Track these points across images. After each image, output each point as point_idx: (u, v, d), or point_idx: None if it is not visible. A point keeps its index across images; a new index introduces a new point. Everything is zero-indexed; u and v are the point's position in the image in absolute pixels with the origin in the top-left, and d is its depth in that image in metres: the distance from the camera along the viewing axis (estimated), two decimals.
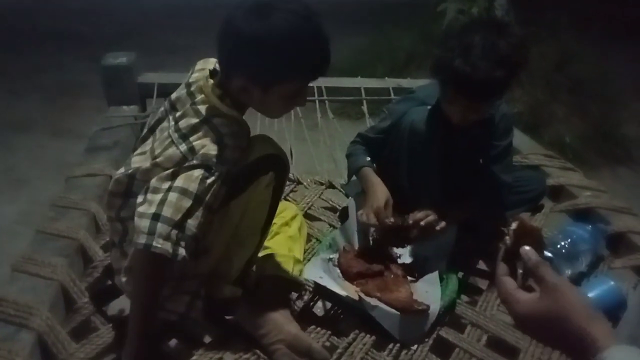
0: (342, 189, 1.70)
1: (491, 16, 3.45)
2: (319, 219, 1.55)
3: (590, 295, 1.17)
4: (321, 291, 1.19)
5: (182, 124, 0.97)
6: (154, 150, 1.00)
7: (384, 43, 4.18)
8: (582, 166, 2.53)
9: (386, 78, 2.40)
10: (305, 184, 1.71)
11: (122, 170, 1.04)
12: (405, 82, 2.31)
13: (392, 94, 2.20)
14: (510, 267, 0.67)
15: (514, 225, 0.69)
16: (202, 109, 0.97)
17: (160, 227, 0.89)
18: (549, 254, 1.27)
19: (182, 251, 0.91)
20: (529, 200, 1.51)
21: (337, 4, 5.39)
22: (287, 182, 1.70)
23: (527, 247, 0.64)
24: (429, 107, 1.34)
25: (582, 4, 4.22)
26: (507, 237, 0.69)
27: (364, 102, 2.20)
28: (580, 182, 1.65)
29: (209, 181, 0.93)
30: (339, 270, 1.24)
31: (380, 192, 1.32)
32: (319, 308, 1.22)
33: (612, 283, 1.19)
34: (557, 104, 3.64)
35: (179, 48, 4.20)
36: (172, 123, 0.99)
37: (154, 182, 0.94)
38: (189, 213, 0.91)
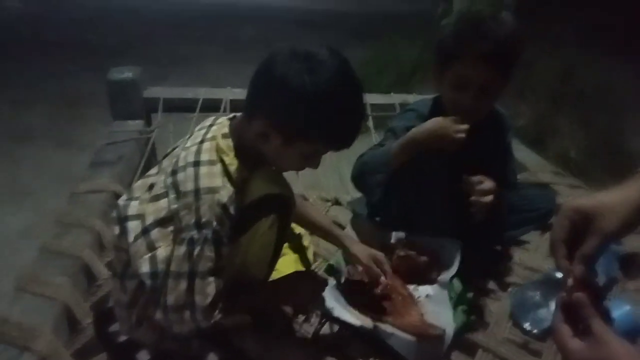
0: (348, 206, 1.68)
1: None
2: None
3: None
4: (332, 319, 1.16)
5: (181, 177, 0.94)
6: (152, 187, 0.99)
7: (388, 55, 4.18)
8: (587, 180, 2.51)
9: (392, 93, 2.39)
10: (311, 200, 1.69)
11: (124, 197, 1.03)
12: (411, 98, 2.30)
13: (397, 110, 2.19)
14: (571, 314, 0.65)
15: (569, 282, 0.66)
16: (204, 172, 0.93)
17: (172, 315, 0.92)
18: (559, 275, 1.23)
19: (203, 322, 0.93)
20: (537, 218, 1.49)
21: (341, 15, 5.42)
22: None
23: (580, 294, 0.63)
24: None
25: (586, 16, 4.22)
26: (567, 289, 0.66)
27: (370, 117, 2.19)
28: None
29: (196, 252, 0.90)
30: (345, 296, 1.21)
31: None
32: (326, 329, 1.20)
33: (627, 307, 1.17)
34: (562, 117, 3.61)
35: (183, 58, 4.20)
36: (170, 170, 0.96)
37: (146, 266, 0.92)
38: (191, 291, 0.91)
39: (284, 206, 0.99)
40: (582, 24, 3.86)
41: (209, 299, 0.91)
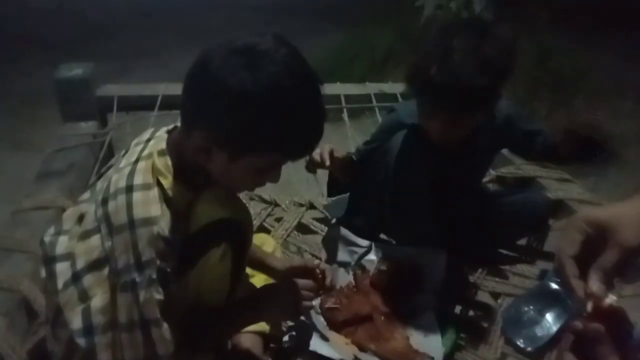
0: (324, 211, 1.55)
1: (472, 16, 3.35)
2: (300, 247, 1.41)
3: None
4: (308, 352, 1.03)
5: (112, 208, 0.78)
6: (82, 218, 0.84)
7: (360, 41, 4.05)
8: (567, 166, 2.45)
9: (367, 83, 2.26)
10: (283, 206, 1.56)
11: (51, 230, 0.88)
12: (387, 87, 2.18)
13: (373, 100, 2.08)
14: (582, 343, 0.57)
15: (589, 307, 0.57)
16: (138, 199, 0.77)
17: None
18: (555, 286, 1.14)
19: None
20: (528, 223, 1.38)
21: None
22: (264, 205, 1.56)
23: (597, 326, 0.55)
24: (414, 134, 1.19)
25: None
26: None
27: (345, 109, 2.06)
28: (579, 196, 1.53)
29: (142, 298, 0.75)
30: (322, 319, 1.09)
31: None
32: None
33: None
34: (539, 101, 3.57)
35: (147, 51, 4.00)
36: (101, 199, 0.80)
37: (78, 321, 0.78)
38: (149, 342, 0.77)
39: (236, 232, 0.83)
40: (558, 6, 3.79)
41: (172, 346, 0.77)
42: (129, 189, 0.77)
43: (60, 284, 0.80)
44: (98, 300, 0.77)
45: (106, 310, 0.77)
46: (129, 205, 0.76)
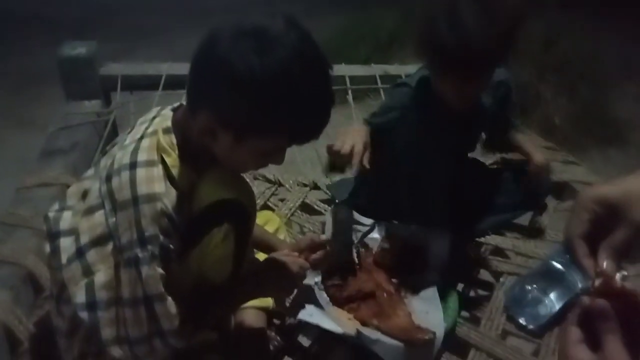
0: (327, 191, 1.55)
1: None
2: (304, 226, 1.41)
3: None
4: (312, 325, 1.03)
5: (115, 184, 0.78)
6: (86, 194, 0.83)
7: (366, 23, 4.01)
8: (572, 148, 2.43)
9: (372, 64, 2.24)
10: (287, 186, 1.56)
11: (55, 206, 0.88)
12: (392, 69, 2.15)
13: (379, 82, 2.06)
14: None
15: (597, 283, 0.56)
16: (141, 176, 0.76)
17: (140, 348, 0.78)
18: (559, 265, 1.14)
19: (179, 344, 0.81)
20: (531, 200, 1.38)
21: None
22: (268, 185, 1.56)
23: (602, 301, 0.52)
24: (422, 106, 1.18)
25: None
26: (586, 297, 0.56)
27: (349, 91, 2.05)
28: (584, 178, 1.53)
29: (145, 273, 0.75)
30: (325, 295, 1.10)
31: (364, 136, 1.11)
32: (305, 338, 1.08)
33: None
34: (545, 84, 3.54)
35: (150, 31, 3.98)
36: (105, 175, 0.80)
37: (82, 295, 0.78)
38: (153, 317, 0.77)
39: (239, 213, 0.83)
40: None
41: (177, 320, 0.78)
42: (133, 165, 0.77)
43: (64, 259, 0.80)
44: (102, 275, 0.77)
45: (110, 285, 0.77)
46: (133, 182, 0.76)
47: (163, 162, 0.78)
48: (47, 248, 0.85)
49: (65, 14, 4.36)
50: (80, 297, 0.78)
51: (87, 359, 0.84)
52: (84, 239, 0.79)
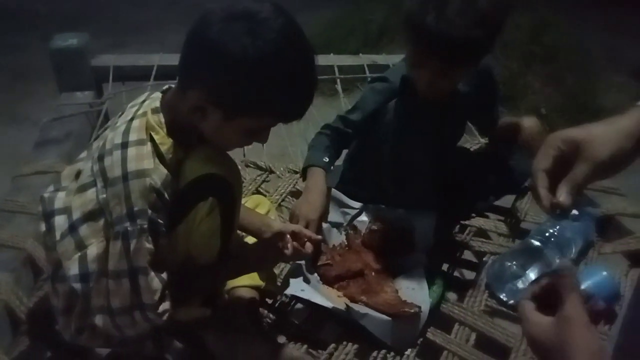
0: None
1: None
2: None
3: (583, 287, 1.10)
4: (303, 301, 1.08)
5: (107, 163, 0.81)
6: (79, 175, 0.88)
7: (355, 16, 4.04)
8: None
9: (360, 54, 2.28)
10: (278, 173, 1.60)
11: (50, 188, 0.91)
12: (381, 59, 2.20)
13: (367, 71, 2.10)
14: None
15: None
16: (132, 154, 0.80)
17: (121, 319, 0.82)
18: (537, 243, 1.19)
19: (157, 320, 0.84)
20: (513, 183, 1.43)
21: None
22: (259, 172, 1.60)
23: (567, 262, 0.59)
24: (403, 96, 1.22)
25: None
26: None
27: (338, 80, 2.09)
28: None
29: (133, 246, 0.79)
30: (316, 275, 1.14)
31: (318, 203, 1.13)
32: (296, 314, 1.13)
33: (604, 273, 1.12)
34: (532, 74, 3.59)
35: (142, 26, 3.98)
36: (97, 155, 0.84)
37: (75, 267, 0.82)
38: (136, 290, 0.80)
39: (224, 187, 0.86)
40: None
41: (157, 295, 0.82)
42: (124, 145, 0.81)
43: (58, 235, 0.84)
44: (94, 249, 0.81)
45: (101, 258, 0.81)
46: (124, 160, 0.80)
47: (152, 140, 0.82)
48: (43, 227, 0.89)
49: (55, 9, 4.34)
50: (73, 269, 0.82)
51: (84, 333, 0.88)
52: (76, 215, 0.83)
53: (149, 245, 0.80)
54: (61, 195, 0.88)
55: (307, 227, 1.07)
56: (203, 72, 0.80)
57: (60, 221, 0.85)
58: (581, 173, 0.60)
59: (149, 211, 0.79)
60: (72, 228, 0.83)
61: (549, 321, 0.55)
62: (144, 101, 0.89)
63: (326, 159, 1.21)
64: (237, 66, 0.77)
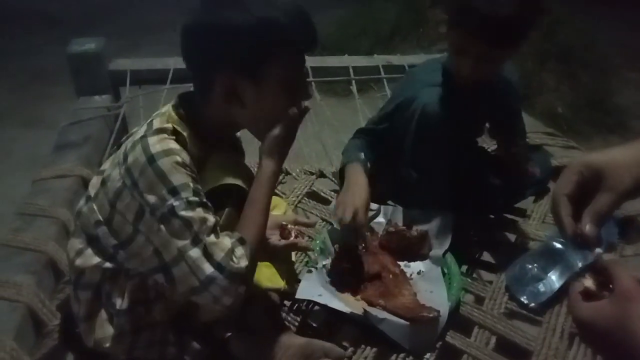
0: (333, 178, 1.59)
1: None
2: (311, 212, 1.45)
3: None
4: (321, 305, 1.08)
5: (131, 159, 0.82)
6: (105, 183, 0.87)
7: (367, 16, 4.04)
8: (574, 136, 2.45)
9: (375, 55, 2.27)
10: (294, 174, 1.60)
11: (82, 202, 0.91)
12: (395, 59, 2.19)
13: (382, 72, 2.09)
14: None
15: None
16: (154, 140, 0.81)
17: (221, 283, 0.78)
18: (559, 245, 1.18)
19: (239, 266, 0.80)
20: (533, 184, 1.42)
21: None
22: None
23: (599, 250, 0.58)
24: (437, 87, 1.22)
25: None
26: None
27: (353, 81, 2.08)
28: None
29: (184, 215, 0.78)
30: (334, 277, 1.14)
31: (363, 193, 1.15)
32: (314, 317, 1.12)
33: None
34: (547, 73, 3.56)
35: (154, 27, 4.01)
36: (122, 158, 0.84)
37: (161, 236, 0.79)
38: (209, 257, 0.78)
39: (241, 198, 0.86)
40: None
41: (228, 249, 0.79)
42: (144, 137, 0.82)
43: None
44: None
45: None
46: (145, 147, 0.80)
47: (174, 130, 0.83)
48: (82, 239, 0.88)
49: (69, 11, 4.39)
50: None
51: (106, 343, 0.88)
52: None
53: (204, 215, 0.78)
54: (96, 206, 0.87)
55: (355, 215, 1.10)
56: (221, 58, 0.82)
57: (105, 230, 0.85)
58: (605, 202, 0.59)
59: (191, 184, 0.78)
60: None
61: (604, 302, 0.54)
62: (164, 106, 0.91)
63: (362, 156, 1.24)
64: (249, 34, 0.79)
